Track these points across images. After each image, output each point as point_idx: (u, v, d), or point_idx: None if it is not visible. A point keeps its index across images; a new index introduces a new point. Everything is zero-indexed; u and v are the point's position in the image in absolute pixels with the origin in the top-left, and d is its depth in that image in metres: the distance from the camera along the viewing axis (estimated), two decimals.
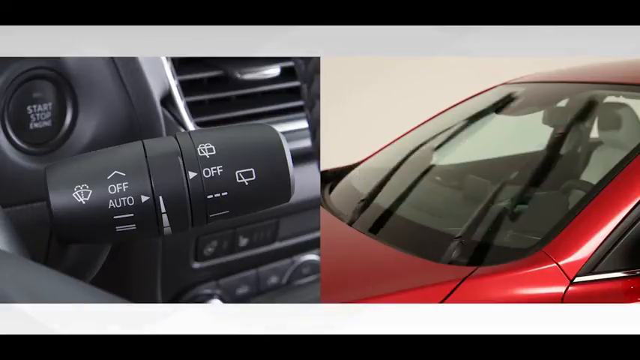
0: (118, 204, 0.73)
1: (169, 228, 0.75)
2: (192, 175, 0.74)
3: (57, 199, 0.73)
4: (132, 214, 0.73)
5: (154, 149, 0.76)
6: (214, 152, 0.76)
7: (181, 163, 0.75)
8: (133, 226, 0.74)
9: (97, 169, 0.74)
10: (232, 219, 0.78)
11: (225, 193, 0.75)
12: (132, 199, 0.73)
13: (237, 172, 0.75)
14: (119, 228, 0.74)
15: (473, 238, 1.12)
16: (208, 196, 0.75)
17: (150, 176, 0.74)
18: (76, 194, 0.73)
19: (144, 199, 0.73)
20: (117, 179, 0.73)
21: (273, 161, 0.77)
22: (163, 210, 0.74)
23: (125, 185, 0.73)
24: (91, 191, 0.73)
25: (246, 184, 0.76)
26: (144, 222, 0.74)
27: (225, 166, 0.75)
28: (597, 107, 1.58)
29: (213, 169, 0.75)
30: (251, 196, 0.76)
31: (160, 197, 0.74)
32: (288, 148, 0.78)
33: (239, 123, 1.23)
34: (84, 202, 0.73)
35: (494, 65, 1.92)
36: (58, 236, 0.75)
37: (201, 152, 0.75)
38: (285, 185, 0.77)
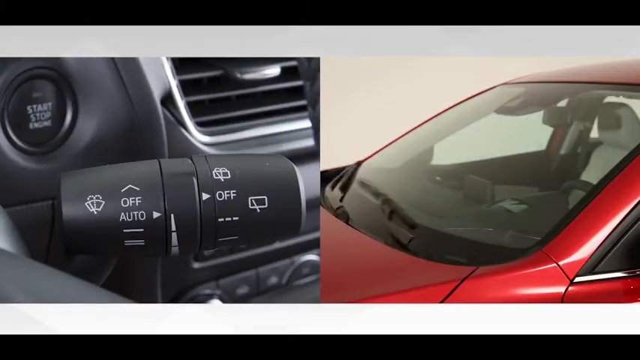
0: (129, 217, 0.73)
1: (177, 248, 0.75)
2: (205, 196, 0.75)
3: (69, 207, 0.73)
4: (142, 229, 0.74)
5: (169, 168, 0.76)
6: (229, 177, 0.76)
7: (196, 184, 0.75)
8: (141, 242, 0.74)
9: (111, 181, 0.75)
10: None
11: (236, 218, 0.76)
12: (143, 214, 0.74)
13: (250, 198, 0.76)
14: (128, 242, 0.74)
15: (473, 238, 1.13)
16: (219, 219, 0.75)
17: (164, 193, 0.74)
18: (88, 204, 0.73)
19: (155, 215, 0.74)
20: (131, 193, 0.74)
21: (286, 192, 0.78)
22: (173, 228, 0.74)
23: (138, 200, 0.74)
24: (103, 202, 0.73)
25: (258, 210, 0.76)
26: (153, 238, 0.74)
27: (239, 191, 0.76)
28: (597, 107, 1.58)
29: (227, 193, 0.76)
30: (261, 223, 0.77)
31: (172, 215, 0.74)
32: (302, 182, 0.79)
33: (240, 123, 1.23)
34: (95, 213, 0.73)
35: (495, 65, 1.92)
36: (65, 245, 0.75)
37: (217, 175, 0.76)
38: (295, 217, 0.78)
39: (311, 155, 1.22)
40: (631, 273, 1.00)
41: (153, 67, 1.08)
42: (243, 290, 1.33)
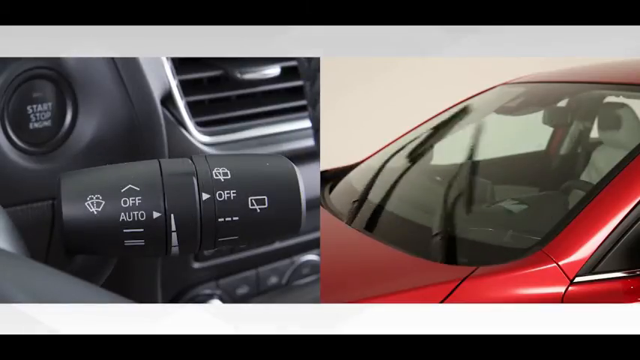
0: (129, 217, 0.73)
1: (177, 248, 0.75)
2: (205, 196, 0.75)
3: (69, 207, 0.73)
4: (142, 229, 0.74)
5: (169, 168, 0.76)
6: (229, 176, 0.76)
7: (196, 183, 0.75)
8: (141, 242, 0.74)
9: (111, 182, 0.75)
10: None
11: (236, 218, 0.76)
12: (143, 214, 0.74)
13: (250, 198, 0.76)
14: (128, 242, 0.74)
15: (473, 238, 1.12)
16: (219, 219, 0.75)
17: (164, 193, 0.74)
18: (88, 204, 0.73)
19: (155, 215, 0.74)
20: (131, 193, 0.74)
21: (286, 192, 0.78)
22: (174, 228, 0.74)
23: (138, 200, 0.74)
24: (103, 202, 0.73)
25: (258, 210, 0.76)
26: (153, 238, 0.74)
27: (239, 191, 0.76)
28: (597, 107, 1.58)
29: (227, 193, 0.76)
30: (261, 223, 0.77)
31: (172, 215, 0.74)
32: (302, 182, 0.79)
33: (240, 123, 1.23)
34: (95, 213, 0.73)
35: (494, 65, 1.92)
36: (65, 245, 0.75)
37: (216, 175, 0.76)
38: (295, 217, 0.78)
39: (311, 155, 1.22)
40: (631, 273, 1.00)
41: (153, 67, 1.08)
42: (243, 290, 1.33)
